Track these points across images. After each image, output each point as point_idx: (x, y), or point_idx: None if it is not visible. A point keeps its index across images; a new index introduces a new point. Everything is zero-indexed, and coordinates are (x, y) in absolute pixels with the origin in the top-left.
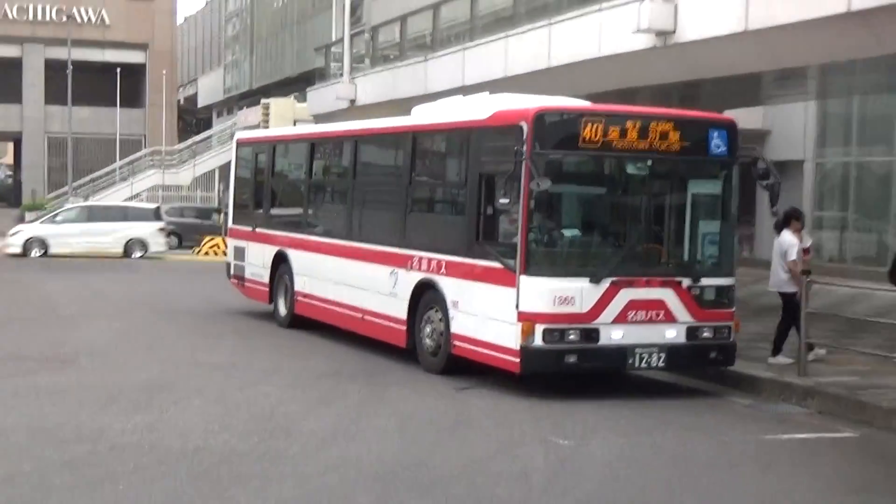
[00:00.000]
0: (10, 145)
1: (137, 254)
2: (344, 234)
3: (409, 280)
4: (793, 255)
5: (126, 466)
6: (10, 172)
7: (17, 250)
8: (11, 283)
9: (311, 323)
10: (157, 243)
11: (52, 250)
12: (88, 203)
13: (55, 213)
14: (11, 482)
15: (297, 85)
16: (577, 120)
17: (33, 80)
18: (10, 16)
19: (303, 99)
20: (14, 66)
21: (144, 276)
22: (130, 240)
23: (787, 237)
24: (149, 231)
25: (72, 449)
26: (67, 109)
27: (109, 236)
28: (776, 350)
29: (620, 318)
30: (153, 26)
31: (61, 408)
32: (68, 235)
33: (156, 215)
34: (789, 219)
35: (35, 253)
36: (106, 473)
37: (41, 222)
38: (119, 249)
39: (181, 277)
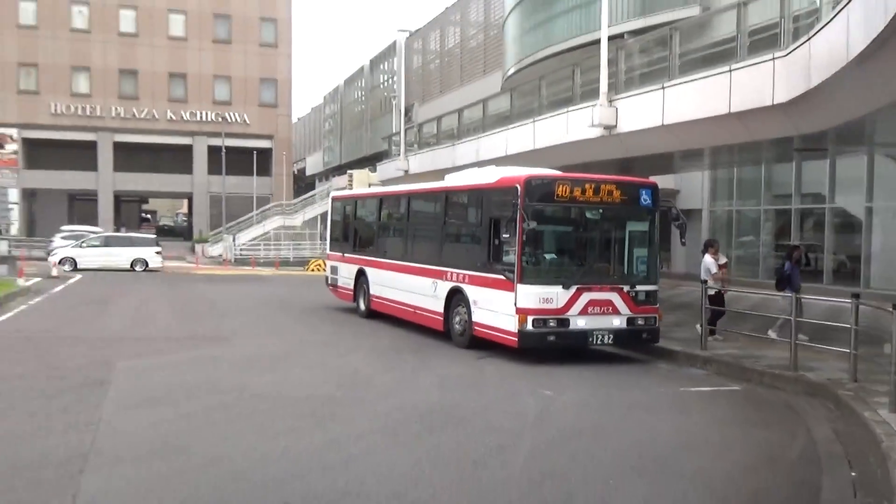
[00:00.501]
0: (186, 201)
1: (139, 268)
2: (401, 257)
3: (444, 287)
4: (714, 270)
5: (262, 406)
6: (185, 218)
7: (56, 260)
8: (172, 291)
9: (381, 315)
10: (155, 261)
11: (80, 265)
12: (105, 234)
13: (81, 241)
14: (188, 417)
15: (370, 161)
16: (552, 183)
17: (199, 159)
18: (184, 118)
19: (374, 170)
20: (187, 150)
21: (268, 285)
22: (135, 259)
23: (708, 259)
24: (149, 253)
25: (226, 396)
26: (222, 178)
27: (121, 256)
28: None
29: (583, 312)
30: (277, 124)
31: (220, 370)
32: (91, 256)
33: (155, 242)
34: (707, 246)
35: (67, 267)
36: (250, 411)
37: (71, 247)
38: (127, 265)
39: (294, 286)
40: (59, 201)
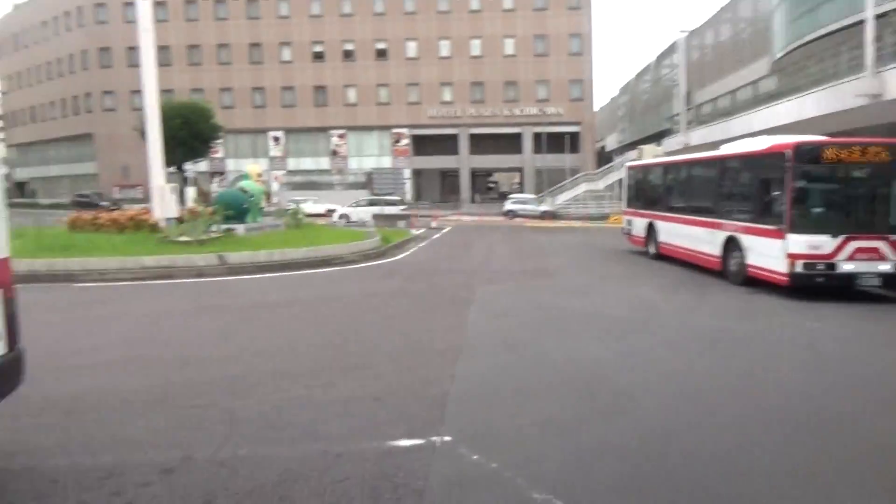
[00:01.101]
0: (518, 173)
1: (342, 222)
2: (683, 211)
3: (721, 236)
4: None
5: (575, 321)
6: (518, 185)
7: (335, 219)
8: (511, 239)
9: (666, 258)
10: (356, 217)
11: (352, 220)
12: (368, 198)
13: (358, 202)
14: (525, 326)
15: (655, 138)
16: (820, 147)
17: (527, 143)
18: (515, 114)
19: (659, 144)
20: (518, 137)
21: (578, 234)
22: (341, 214)
23: None
24: (396, 210)
25: (550, 312)
26: (543, 156)
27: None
28: None
29: (850, 258)
30: (583, 113)
31: (545, 295)
32: (358, 212)
33: (401, 202)
34: None
35: (343, 221)
36: (567, 324)
37: (347, 207)
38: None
39: (597, 235)
40: (434, 177)
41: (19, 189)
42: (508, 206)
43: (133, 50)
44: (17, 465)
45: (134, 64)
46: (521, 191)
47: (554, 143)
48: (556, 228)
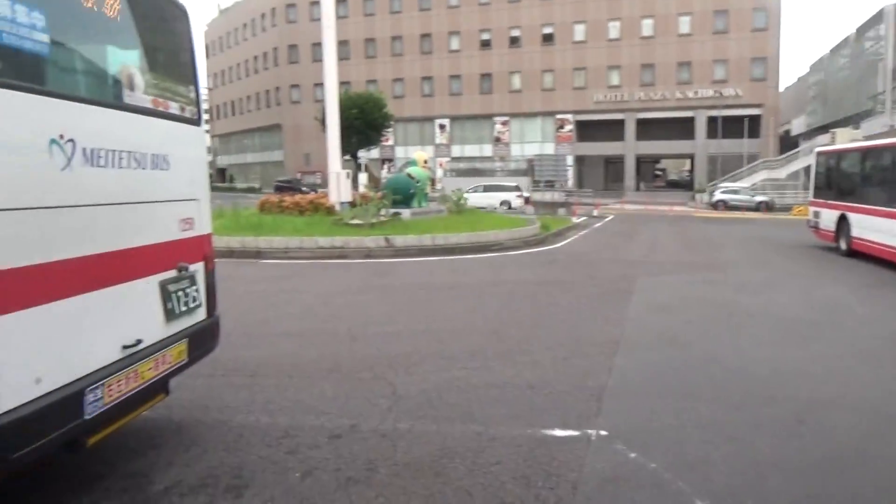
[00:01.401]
0: (688, 160)
1: (504, 207)
2: (886, 203)
3: None
4: None
5: (751, 321)
6: (688, 173)
7: (497, 205)
8: (677, 229)
9: (860, 255)
10: (516, 202)
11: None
12: (483, 184)
13: (470, 188)
14: (690, 322)
15: (851, 120)
16: None
17: (700, 128)
18: (688, 96)
19: (857, 127)
20: (690, 121)
21: (754, 226)
22: (502, 200)
23: None
24: (512, 196)
25: (720, 310)
26: (718, 142)
27: (494, 198)
28: None
29: None
30: (765, 94)
31: (715, 290)
32: (474, 198)
33: (517, 188)
34: None
35: (504, 208)
36: (740, 323)
37: (466, 191)
38: (496, 204)
39: (781, 228)
40: (598, 164)
41: (220, 175)
42: (718, 195)
43: (317, 46)
44: (210, 419)
45: (317, 59)
46: (690, 178)
47: (730, 127)
48: (731, 219)
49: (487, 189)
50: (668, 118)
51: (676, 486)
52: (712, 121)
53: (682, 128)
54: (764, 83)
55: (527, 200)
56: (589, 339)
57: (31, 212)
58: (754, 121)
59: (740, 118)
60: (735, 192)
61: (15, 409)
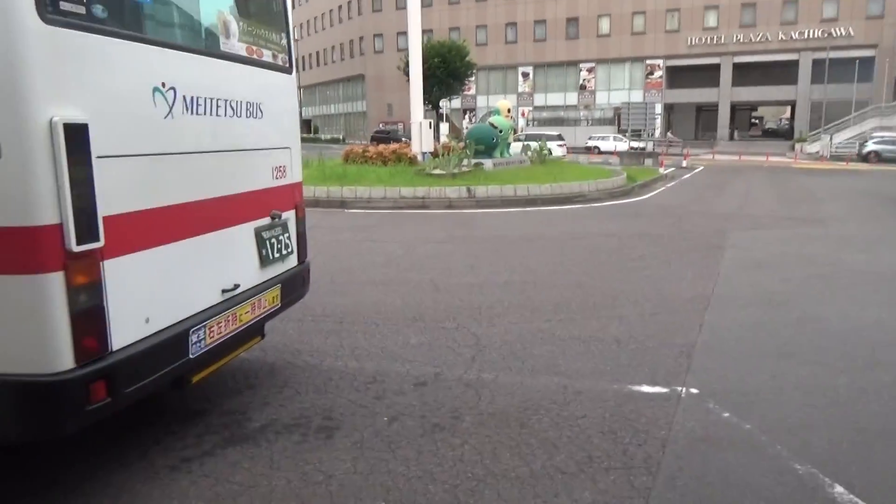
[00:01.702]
0: (789, 107)
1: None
2: None
3: None
4: None
5: (856, 280)
6: (787, 121)
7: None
8: (774, 181)
9: None
10: (557, 151)
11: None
12: (526, 132)
13: (518, 137)
14: (788, 280)
15: None
16: None
17: (804, 72)
18: (793, 37)
19: None
20: (793, 65)
21: (861, 178)
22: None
23: None
24: (554, 145)
25: (822, 268)
26: (824, 87)
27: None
28: None
29: None
30: (882, 34)
31: (816, 246)
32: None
33: (560, 137)
34: None
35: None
36: (844, 282)
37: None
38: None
39: (883, 180)
40: (689, 112)
41: (306, 126)
42: (870, 146)
43: None
44: (301, 362)
45: (401, 7)
46: (789, 127)
47: (838, 71)
48: (833, 171)
49: (529, 139)
50: (769, 62)
51: (774, 449)
52: (818, 64)
53: (784, 72)
54: (881, 21)
55: (568, 150)
56: (677, 295)
57: (139, 158)
58: (866, 63)
59: (851, 60)
60: (893, 141)
61: (127, 346)
